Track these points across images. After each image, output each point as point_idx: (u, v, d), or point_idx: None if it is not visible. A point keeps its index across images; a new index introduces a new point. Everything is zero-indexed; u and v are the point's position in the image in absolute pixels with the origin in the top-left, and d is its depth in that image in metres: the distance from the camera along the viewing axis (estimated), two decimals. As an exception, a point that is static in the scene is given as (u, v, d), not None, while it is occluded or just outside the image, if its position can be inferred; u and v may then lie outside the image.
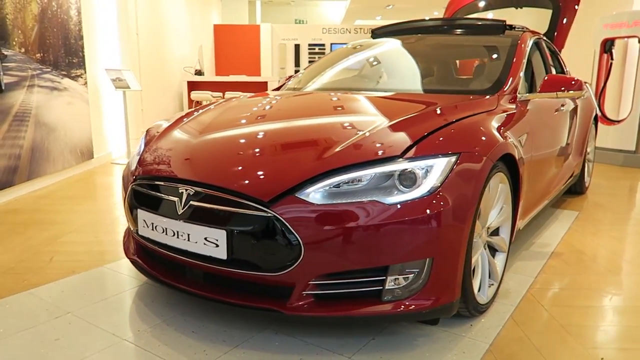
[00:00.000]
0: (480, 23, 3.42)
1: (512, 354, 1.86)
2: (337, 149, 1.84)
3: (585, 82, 4.33)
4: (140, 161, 2.20)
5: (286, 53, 12.00)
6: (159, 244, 1.96)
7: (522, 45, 2.95)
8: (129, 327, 2.02)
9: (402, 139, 1.88)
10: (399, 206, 1.70)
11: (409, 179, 1.75)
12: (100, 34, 6.01)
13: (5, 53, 4.15)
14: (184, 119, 2.50)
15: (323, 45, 12.21)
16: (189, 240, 1.83)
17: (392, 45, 3.44)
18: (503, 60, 2.85)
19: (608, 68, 6.67)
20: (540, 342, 1.95)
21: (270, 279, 1.76)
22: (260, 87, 8.78)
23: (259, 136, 2.13)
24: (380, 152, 1.81)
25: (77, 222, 3.50)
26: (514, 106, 2.52)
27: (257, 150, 1.96)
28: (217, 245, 1.76)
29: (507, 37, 3.12)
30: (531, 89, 2.98)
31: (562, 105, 3.30)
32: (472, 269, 2.01)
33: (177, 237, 1.86)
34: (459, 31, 3.42)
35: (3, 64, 4.10)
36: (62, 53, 5.07)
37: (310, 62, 11.57)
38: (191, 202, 1.84)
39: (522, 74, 2.78)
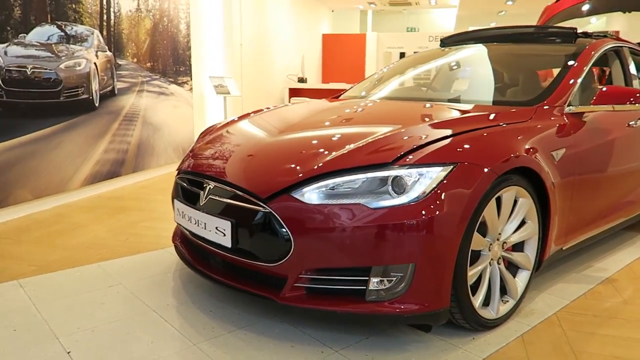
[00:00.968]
0: (549, 31, 3.26)
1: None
2: (336, 154, 1.97)
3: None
4: (184, 159, 2.53)
5: (391, 61, 12.08)
6: (186, 229, 2.25)
7: (584, 55, 2.78)
8: (161, 300, 2.33)
9: (398, 146, 1.94)
10: (384, 211, 1.77)
11: (399, 186, 1.82)
12: (206, 45, 6.68)
13: (120, 63, 4.86)
14: (228, 125, 2.78)
15: (429, 53, 12.04)
16: (205, 228, 2.09)
17: (451, 56, 3.42)
18: (558, 71, 2.72)
19: None
20: (540, 364, 1.87)
21: (268, 269, 1.94)
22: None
23: (271, 141, 2.33)
24: (373, 158, 1.90)
25: (160, 210, 3.99)
26: (556, 119, 2.40)
27: (266, 153, 2.17)
28: (224, 235, 1.99)
29: (574, 46, 2.95)
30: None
31: (639, 119, 3.00)
32: (477, 281, 2.00)
33: (198, 225, 2.13)
34: (527, 40, 3.30)
35: (117, 72, 4.81)
36: (171, 62, 5.75)
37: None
38: (210, 196, 2.10)
39: (579, 85, 2.63)
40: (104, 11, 4.59)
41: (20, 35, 3.70)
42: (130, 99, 5.00)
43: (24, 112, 3.75)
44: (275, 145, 2.25)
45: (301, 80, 9.61)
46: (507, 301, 2.18)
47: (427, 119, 2.24)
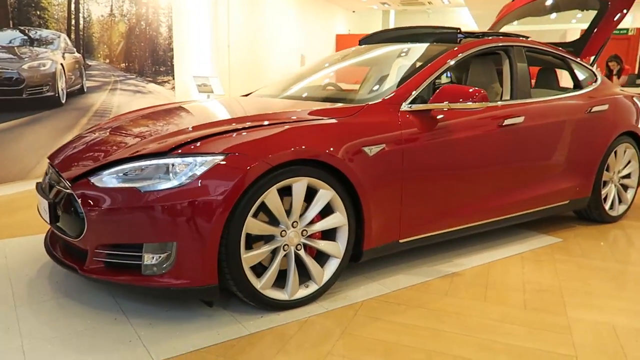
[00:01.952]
0: (437, 32, 3.31)
1: (247, 345, 1.99)
2: (133, 145, 2.22)
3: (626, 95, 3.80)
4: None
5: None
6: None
7: (445, 56, 2.85)
8: (21, 271, 2.67)
9: (181, 139, 2.16)
10: (153, 194, 2.00)
11: (173, 173, 2.04)
12: (191, 47, 7.08)
13: (90, 63, 5.32)
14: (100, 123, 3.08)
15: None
16: (41, 208, 2.40)
17: (358, 56, 3.57)
18: (410, 71, 2.81)
19: None
20: (296, 342, 2.02)
21: (75, 243, 2.22)
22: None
23: (103, 136, 2.56)
24: (155, 148, 2.13)
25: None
26: (384, 116, 2.51)
27: (90, 147, 2.45)
28: (47, 212, 2.29)
29: (453, 45, 3.00)
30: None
31: (506, 118, 2.96)
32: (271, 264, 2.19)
33: (42, 206, 2.44)
34: (422, 40, 3.37)
35: (87, 72, 5.28)
36: (149, 63, 6.18)
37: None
38: (48, 181, 2.42)
39: (427, 83, 2.71)
40: (72, 16, 5.06)
41: (-18, 39, 4.20)
42: (101, 97, 5.45)
43: (-15, 107, 4.26)
44: (101, 139, 2.52)
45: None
46: (309, 286, 2.33)
47: (255, 114, 2.46)
